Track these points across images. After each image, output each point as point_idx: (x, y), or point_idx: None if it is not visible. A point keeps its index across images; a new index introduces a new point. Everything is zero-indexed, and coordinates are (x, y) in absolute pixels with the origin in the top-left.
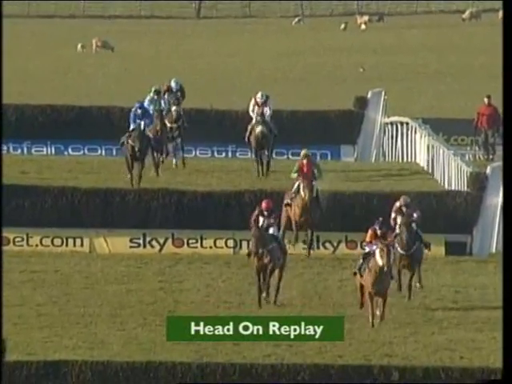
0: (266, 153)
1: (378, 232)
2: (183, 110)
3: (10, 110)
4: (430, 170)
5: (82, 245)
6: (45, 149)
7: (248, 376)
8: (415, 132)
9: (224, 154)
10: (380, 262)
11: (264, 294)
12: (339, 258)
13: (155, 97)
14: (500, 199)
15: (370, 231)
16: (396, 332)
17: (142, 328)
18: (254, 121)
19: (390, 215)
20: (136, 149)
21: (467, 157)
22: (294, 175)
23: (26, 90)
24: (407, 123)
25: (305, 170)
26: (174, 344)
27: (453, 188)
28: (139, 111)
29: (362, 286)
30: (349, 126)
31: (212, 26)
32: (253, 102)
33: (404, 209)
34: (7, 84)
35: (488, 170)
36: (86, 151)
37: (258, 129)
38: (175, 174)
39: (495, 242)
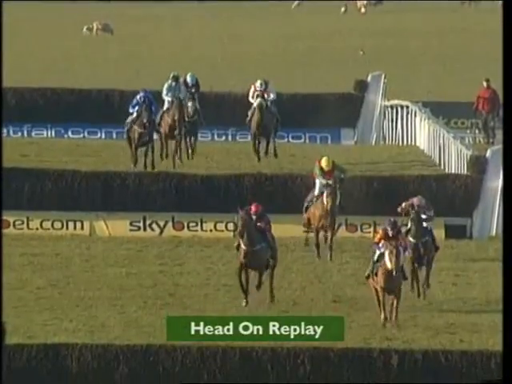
0: (267, 138)
1: (390, 233)
2: None
3: (10, 94)
4: (430, 154)
5: (82, 228)
6: (45, 132)
7: (248, 359)
8: (415, 115)
9: (224, 138)
10: (389, 265)
11: (244, 303)
12: (339, 241)
13: (173, 83)
14: (500, 182)
15: (380, 231)
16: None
17: (142, 311)
18: (253, 106)
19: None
20: (142, 134)
21: (467, 140)
22: (322, 180)
23: (26, 73)
24: (407, 106)
25: (328, 176)
26: None
27: (453, 171)
28: (141, 99)
29: (375, 289)
30: (349, 109)
31: (212, 9)
32: (252, 89)
33: (417, 208)
34: (7, 67)
35: (488, 154)
36: (86, 134)
37: (257, 101)
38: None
39: (495, 226)
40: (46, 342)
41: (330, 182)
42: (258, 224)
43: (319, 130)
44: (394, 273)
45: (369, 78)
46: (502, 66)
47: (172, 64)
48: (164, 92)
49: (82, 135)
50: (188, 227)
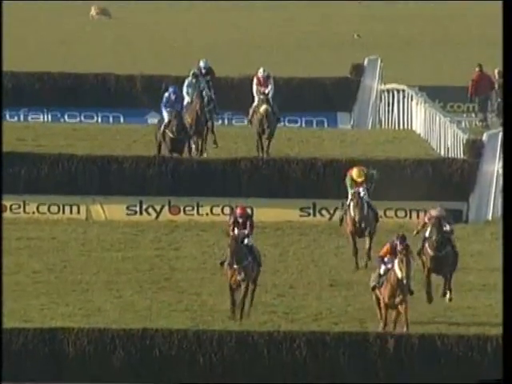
0: (269, 138)
1: (399, 247)
2: None
3: (7, 78)
4: (426, 137)
5: (78, 212)
6: (41, 116)
7: (244, 343)
8: (411, 99)
9: (220, 122)
10: (399, 273)
11: (231, 313)
12: (335, 225)
13: (193, 80)
14: (496, 166)
15: (387, 245)
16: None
17: (139, 295)
18: (256, 101)
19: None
20: (175, 140)
21: (463, 124)
22: (351, 191)
23: (22, 57)
24: (403, 90)
25: (358, 186)
26: (171, 311)
27: (449, 155)
28: (173, 97)
29: (378, 299)
30: (345, 93)
31: None
32: (255, 81)
33: (437, 219)
34: (5, 51)
35: (484, 137)
36: (82, 118)
37: (263, 107)
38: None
39: (491, 210)
40: (42, 326)
41: (356, 189)
42: (245, 242)
43: (316, 113)
44: (404, 281)
45: (365, 63)
46: (496, 51)
47: (168, 48)
48: (185, 89)
49: (78, 119)
50: (184, 211)
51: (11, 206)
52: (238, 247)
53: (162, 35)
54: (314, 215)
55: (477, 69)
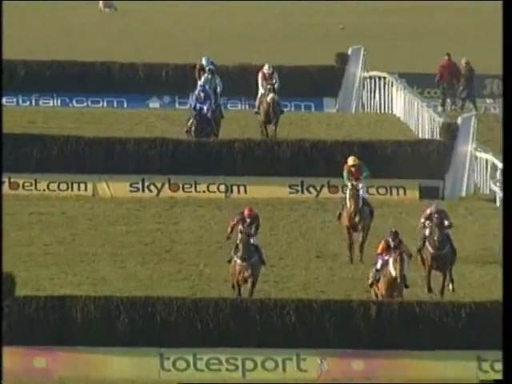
0: (274, 119)
1: (391, 244)
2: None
3: (20, 66)
4: (406, 121)
5: (85, 189)
6: (51, 101)
7: (238, 310)
8: (392, 85)
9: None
10: (393, 272)
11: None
12: (322, 201)
13: (209, 76)
14: (469, 147)
15: (382, 242)
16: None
17: (141, 266)
18: (262, 91)
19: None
20: (201, 133)
21: (439, 108)
22: (348, 182)
23: (34, 47)
24: (384, 77)
25: (353, 176)
26: (171, 281)
27: (426, 137)
28: (202, 94)
29: (376, 295)
30: (331, 80)
31: None
32: (260, 75)
33: (436, 215)
34: (17, 40)
35: (459, 121)
36: (89, 103)
37: (269, 96)
38: (172, 124)
39: (465, 187)
40: (52, 294)
41: (355, 183)
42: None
43: (303, 99)
44: (398, 280)
45: (349, 52)
46: (469, 41)
47: (174, 39)
48: (201, 84)
49: (85, 104)
50: (183, 189)
51: (24, 183)
52: (249, 243)
53: (161, 26)
54: (302, 192)
55: (445, 57)
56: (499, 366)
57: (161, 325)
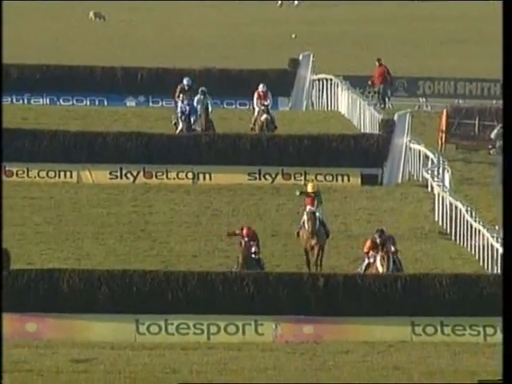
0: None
1: (378, 241)
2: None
3: (13, 69)
4: (349, 117)
5: (71, 176)
6: (41, 100)
7: (204, 281)
8: (337, 87)
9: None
10: (380, 269)
11: None
12: (276, 187)
13: (201, 97)
14: (405, 140)
15: (368, 241)
16: None
17: (120, 243)
18: (257, 111)
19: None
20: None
21: (378, 106)
22: (307, 209)
23: (26, 52)
24: (331, 79)
25: (309, 201)
26: (145, 256)
27: (367, 131)
28: (187, 108)
29: None
30: (284, 82)
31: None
32: (256, 95)
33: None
34: (11, 46)
35: (395, 117)
36: (74, 102)
37: (263, 117)
38: (146, 120)
39: (401, 175)
40: (42, 268)
41: (312, 208)
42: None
43: None
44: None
45: (300, 57)
46: (406, 47)
47: (150, 45)
48: (195, 104)
49: (71, 102)
50: (156, 176)
51: (17, 171)
52: (248, 255)
53: (139, 34)
54: (260, 179)
55: (376, 62)
56: (431, 329)
57: (136, 294)
